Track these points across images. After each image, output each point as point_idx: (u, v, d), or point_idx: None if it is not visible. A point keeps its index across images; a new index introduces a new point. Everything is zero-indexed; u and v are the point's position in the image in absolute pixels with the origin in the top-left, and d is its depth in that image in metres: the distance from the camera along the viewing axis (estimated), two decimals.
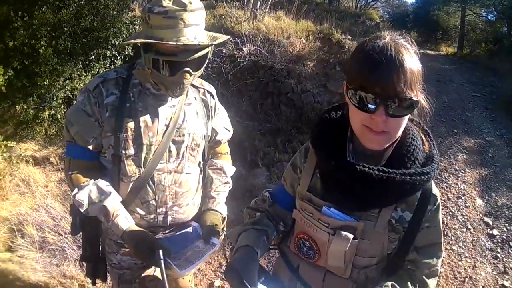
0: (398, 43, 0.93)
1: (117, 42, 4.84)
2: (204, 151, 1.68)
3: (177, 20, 1.28)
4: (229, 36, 1.47)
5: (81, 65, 4.79)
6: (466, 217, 3.96)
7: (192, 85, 1.58)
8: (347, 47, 6.60)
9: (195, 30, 1.33)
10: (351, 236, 1.04)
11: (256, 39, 6.08)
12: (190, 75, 1.37)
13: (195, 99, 1.61)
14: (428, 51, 14.13)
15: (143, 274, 1.69)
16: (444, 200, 4.19)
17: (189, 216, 1.67)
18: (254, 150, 5.13)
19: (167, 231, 1.65)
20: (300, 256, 1.21)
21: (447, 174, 4.72)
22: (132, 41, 1.39)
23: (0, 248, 3.15)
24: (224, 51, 5.98)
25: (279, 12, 7.51)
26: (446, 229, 3.71)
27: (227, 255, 2.93)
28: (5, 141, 3.95)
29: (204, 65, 1.46)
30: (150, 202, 1.53)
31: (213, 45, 1.41)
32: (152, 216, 1.55)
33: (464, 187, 4.47)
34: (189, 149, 1.56)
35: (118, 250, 1.62)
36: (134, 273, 1.67)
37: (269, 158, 5.09)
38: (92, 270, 1.69)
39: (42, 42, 4.14)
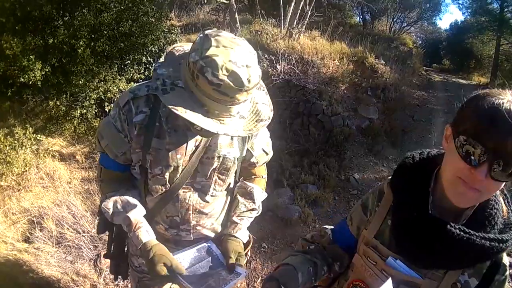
0: None
1: (153, 49, 4.89)
2: (236, 173, 1.60)
3: (229, 98, 1.15)
4: (266, 124, 1.33)
5: (116, 68, 4.87)
6: None
7: None
8: (380, 72, 6.52)
9: (241, 106, 1.23)
10: None
11: (290, 57, 6.07)
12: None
13: None
14: (460, 80, 13.88)
15: (162, 284, 1.64)
16: None
17: (213, 234, 1.62)
18: (280, 169, 5.07)
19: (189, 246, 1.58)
20: None
21: None
22: (179, 113, 1.16)
23: (18, 238, 3.17)
24: None
25: (314, 32, 7.51)
26: None
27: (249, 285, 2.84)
28: (34, 134, 4.00)
29: None
30: (174, 218, 1.49)
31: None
32: (174, 231, 1.53)
33: None
34: (217, 173, 1.48)
35: (140, 254, 1.56)
36: (153, 278, 1.60)
37: (294, 178, 5.01)
38: (115, 267, 1.72)
39: (81, 43, 4.21)
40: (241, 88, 1.13)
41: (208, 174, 1.46)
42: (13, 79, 4.16)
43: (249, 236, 1.67)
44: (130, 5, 4.78)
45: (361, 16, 14.68)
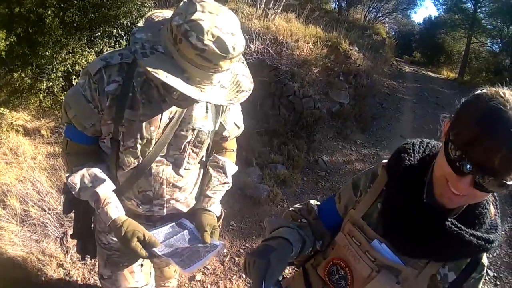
0: None
1: (125, 22, 4.75)
2: (209, 146, 1.60)
3: (212, 65, 1.13)
4: (247, 95, 1.31)
5: (85, 40, 4.69)
6: None
7: None
8: (353, 58, 6.61)
9: (222, 75, 1.21)
10: (394, 279, 0.98)
11: (265, 37, 6.04)
12: None
13: None
14: (429, 73, 14.27)
15: (132, 261, 1.65)
16: None
17: (186, 208, 1.62)
18: (250, 148, 5.09)
19: (161, 221, 1.60)
20: (327, 283, 1.14)
21: None
22: (160, 77, 1.11)
23: None
24: None
25: (290, 14, 7.49)
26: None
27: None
28: None
29: None
30: (147, 192, 1.48)
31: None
32: (147, 206, 1.51)
33: None
34: (191, 145, 1.47)
35: (108, 231, 1.57)
36: (123, 255, 1.62)
37: (264, 158, 5.05)
38: (82, 246, 1.68)
39: (49, 12, 4.04)
40: (226, 55, 1.11)
41: (182, 147, 1.44)
42: None
43: (221, 210, 1.69)
44: None
45: (337, 3, 14.77)
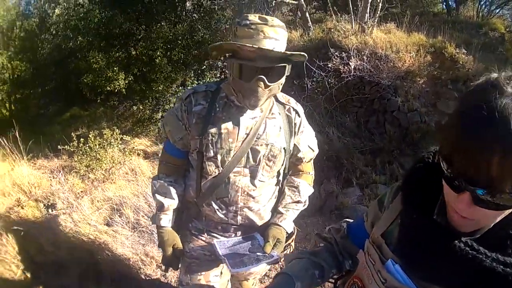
0: None
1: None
2: (284, 165, 1.74)
3: (258, 31, 1.41)
4: (305, 55, 1.53)
5: (193, 74, 5.27)
6: None
7: (278, 101, 1.70)
8: (461, 62, 5.98)
9: (273, 43, 1.44)
10: None
11: (362, 53, 5.91)
12: (265, 84, 1.45)
13: (279, 114, 1.69)
14: None
15: (210, 269, 1.81)
16: None
17: (259, 221, 1.74)
18: (351, 168, 4.97)
19: (238, 233, 1.76)
20: None
21: None
22: (217, 43, 1.54)
23: (100, 222, 3.71)
24: (329, 65, 5.94)
25: (389, 25, 7.16)
26: None
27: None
28: (121, 135, 4.55)
29: (282, 80, 1.53)
30: (224, 199, 1.65)
31: (290, 64, 1.51)
32: (224, 212, 1.67)
33: None
34: (265, 159, 1.64)
35: (191, 240, 1.78)
36: (202, 264, 1.80)
37: (365, 178, 4.87)
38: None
39: (158, 53, 4.68)
40: (266, 22, 1.43)
41: (257, 159, 1.62)
42: (101, 88, 4.81)
43: (294, 227, 1.81)
44: (202, 14, 5.16)
45: (445, 3, 13.50)
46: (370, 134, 5.75)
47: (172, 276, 2.97)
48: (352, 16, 6.78)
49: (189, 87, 4.29)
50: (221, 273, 1.85)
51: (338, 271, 1.19)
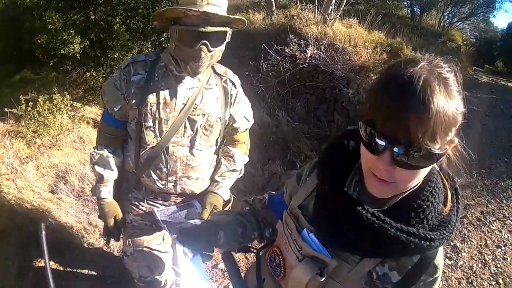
0: (435, 74, 0.71)
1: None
2: (220, 134, 1.81)
3: None
4: (244, 19, 1.57)
5: (150, 44, 5.17)
6: (500, 269, 3.63)
7: (215, 72, 1.74)
8: None
9: (216, 9, 1.47)
10: (315, 270, 0.91)
11: (320, 43, 6.07)
12: (208, 49, 1.50)
13: (216, 85, 1.74)
14: (510, 83, 13.05)
15: (151, 237, 1.88)
16: (480, 246, 3.88)
17: (198, 190, 1.82)
18: (297, 151, 5.16)
19: (177, 200, 1.83)
20: (269, 270, 1.11)
21: (493, 219, 4.31)
22: (161, 9, 1.54)
23: (45, 189, 3.61)
24: (286, 50, 6.06)
25: (351, 20, 7.41)
26: (472, 277, 3.45)
27: None
28: (71, 101, 4.41)
29: (223, 47, 1.58)
30: (163, 169, 1.70)
31: (231, 30, 1.55)
32: (163, 182, 1.73)
33: (508, 236, 4.10)
34: (202, 128, 1.70)
35: (131, 210, 1.82)
36: (143, 233, 1.86)
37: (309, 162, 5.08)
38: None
39: (117, 20, 4.54)
40: None
41: (195, 129, 1.67)
42: (55, 51, 4.60)
43: (230, 195, 1.88)
44: None
45: (410, 8, 14.14)
46: (319, 121, 5.96)
47: (115, 245, 2.99)
48: (317, 6, 6.92)
49: None
50: (163, 238, 1.92)
51: (259, 236, 1.25)
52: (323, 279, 0.90)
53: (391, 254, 0.85)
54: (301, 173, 1.13)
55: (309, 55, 5.99)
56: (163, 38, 5.22)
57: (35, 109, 4.30)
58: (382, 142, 0.72)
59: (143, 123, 1.63)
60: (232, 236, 1.18)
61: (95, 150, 1.72)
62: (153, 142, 1.66)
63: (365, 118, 0.75)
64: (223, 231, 1.15)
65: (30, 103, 4.32)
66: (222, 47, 1.57)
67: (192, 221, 1.68)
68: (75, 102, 4.57)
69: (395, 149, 0.71)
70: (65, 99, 4.46)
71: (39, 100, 4.34)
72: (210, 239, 1.13)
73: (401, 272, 0.86)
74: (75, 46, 4.52)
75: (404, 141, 0.70)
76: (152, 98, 1.60)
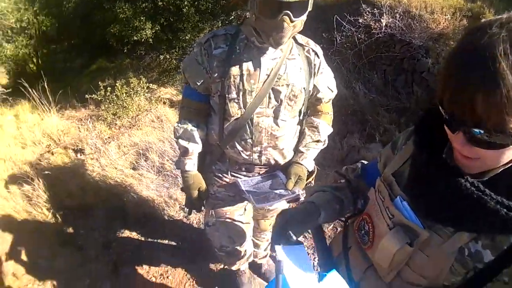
0: (508, 42, 0.60)
1: None
2: (304, 105, 1.76)
3: None
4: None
5: (220, 24, 5.21)
6: None
7: (297, 43, 1.69)
8: None
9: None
10: (405, 239, 0.88)
11: (395, 11, 5.69)
12: (290, 19, 1.43)
13: (299, 55, 1.69)
14: None
15: (234, 208, 1.90)
16: None
17: (282, 160, 1.79)
18: (375, 124, 4.93)
19: (261, 171, 1.81)
20: (356, 238, 1.10)
21: None
22: None
23: (127, 166, 3.84)
24: (360, 21, 5.76)
25: None
26: None
27: None
28: (147, 84, 4.59)
29: (304, 16, 1.50)
30: (248, 140, 1.69)
31: None
32: (248, 153, 1.72)
33: None
34: (287, 99, 1.65)
35: (215, 182, 1.85)
36: (226, 205, 1.89)
37: (388, 135, 4.83)
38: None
39: (186, 2, 4.62)
40: None
41: (279, 100, 1.64)
42: (128, 38, 4.82)
43: (314, 166, 1.86)
44: None
45: None
46: (397, 93, 5.62)
47: (194, 218, 3.08)
48: None
49: None
50: (245, 209, 1.94)
51: (353, 209, 1.22)
52: (411, 249, 0.87)
53: (488, 230, 0.77)
54: (397, 140, 1.10)
55: (384, 24, 5.63)
56: (232, 17, 5.22)
57: (114, 94, 4.57)
58: (452, 122, 0.68)
59: (227, 95, 1.62)
60: (331, 214, 1.17)
61: (179, 125, 1.73)
62: (237, 114, 1.64)
63: (438, 96, 0.70)
64: (324, 211, 1.13)
65: (109, 89, 4.63)
66: (304, 17, 1.49)
67: (277, 191, 1.65)
68: (151, 84, 4.77)
69: (466, 129, 0.66)
70: (141, 82, 4.67)
71: (117, 84, 4.61)
72: (314, 221, 1.12)
73: (495, 252, 0.78)
74: (147, 31, 4.69)
75: (474, 121, 0.63)
76: (235, 70, 1.58)
